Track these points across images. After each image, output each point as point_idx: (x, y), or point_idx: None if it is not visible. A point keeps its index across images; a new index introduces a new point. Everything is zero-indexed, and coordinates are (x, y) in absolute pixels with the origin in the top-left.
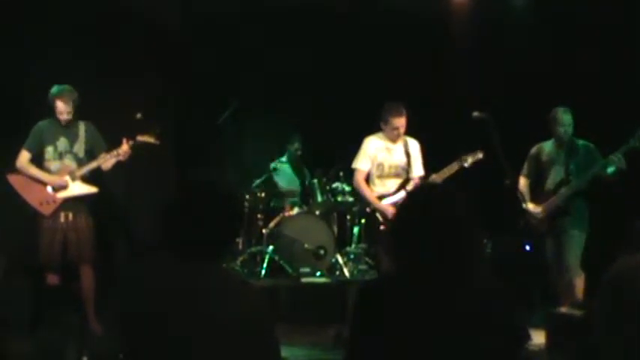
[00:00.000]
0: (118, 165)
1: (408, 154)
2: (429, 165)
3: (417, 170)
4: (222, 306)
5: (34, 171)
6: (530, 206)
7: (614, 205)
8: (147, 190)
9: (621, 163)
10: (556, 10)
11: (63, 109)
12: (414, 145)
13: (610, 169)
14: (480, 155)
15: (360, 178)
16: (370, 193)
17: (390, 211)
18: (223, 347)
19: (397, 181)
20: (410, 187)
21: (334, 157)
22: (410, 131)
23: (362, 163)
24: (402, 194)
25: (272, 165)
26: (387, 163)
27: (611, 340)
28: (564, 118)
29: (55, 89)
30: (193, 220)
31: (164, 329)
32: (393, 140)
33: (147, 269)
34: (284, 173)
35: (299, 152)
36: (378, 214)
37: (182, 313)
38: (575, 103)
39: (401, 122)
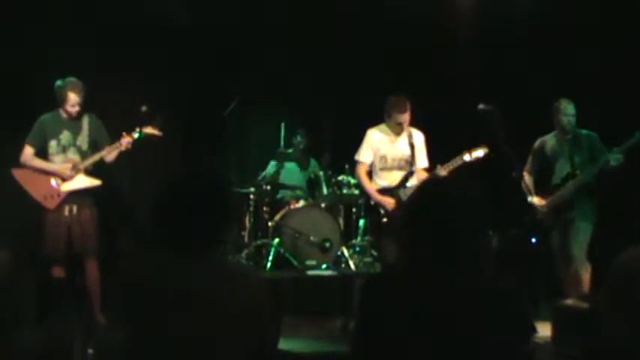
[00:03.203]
0: (125, 157)
1: (412, 146)
2: (435, 157)
3: (422, 162)
4: (219, 300)
5: (39, 163)
6: (536, 200)
7: (620, 198)
8: (153, 182)
9: (620, 158)
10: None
11: (75, 100)
12: (419, 137)
13: (613, 163)
14: (485, 150)
15: (361, 171)
16: (370, 185)
17: (390, 203)
18: (221, 341)
19: (400, 174)
20: (413, 180)
21: (340, 149)
22: (415, 124)
23: (364, 155)
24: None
25: (273, 161)
26: (391, 155)
27: (621, 327)
28: (568, 108)
29: (62, 82)
30: (182, 212)
31: (164, 323)
32: (397, 133)
33: (145, 264)
34: (288, 170)
35: (302, 145)
36: (380, 207)
37: (179, 308)
38: (580, 95)
39: (404, 118)
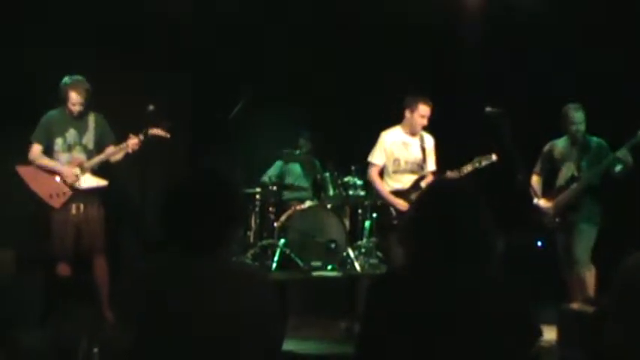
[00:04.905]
0: (132, 158)
1: (423, 150)
2: (443, 161)
3: (430, 165)
4: (224, 300)
5: (47, 162)
6: (541, 202)
7: (625, 201)
8: (160, 183)
9: (627, 159)
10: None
11: (76, 99)
12: (429, 141)
13: (618, 167)
14: (494, 158)
15: (374, 173)
16: (384, 187)
17: (403, 205)
18: (226, 340)
19: (412, 177)
20: (425, 183)
21: (346, 150)
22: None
23: (377, 157)
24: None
25: (278, 162)
26: (404, 158)
27: (628, 331)
28: (576, 115)
29: (67, 79)
30: (187, 212)
31: (169, 323)
32: (413, 133)
33: (151, 264)
34: (292, 171)
35: (305, 149)
36: (391, 209)
37: (185, 308)
38: (588, 98)
39: (428, 111)
